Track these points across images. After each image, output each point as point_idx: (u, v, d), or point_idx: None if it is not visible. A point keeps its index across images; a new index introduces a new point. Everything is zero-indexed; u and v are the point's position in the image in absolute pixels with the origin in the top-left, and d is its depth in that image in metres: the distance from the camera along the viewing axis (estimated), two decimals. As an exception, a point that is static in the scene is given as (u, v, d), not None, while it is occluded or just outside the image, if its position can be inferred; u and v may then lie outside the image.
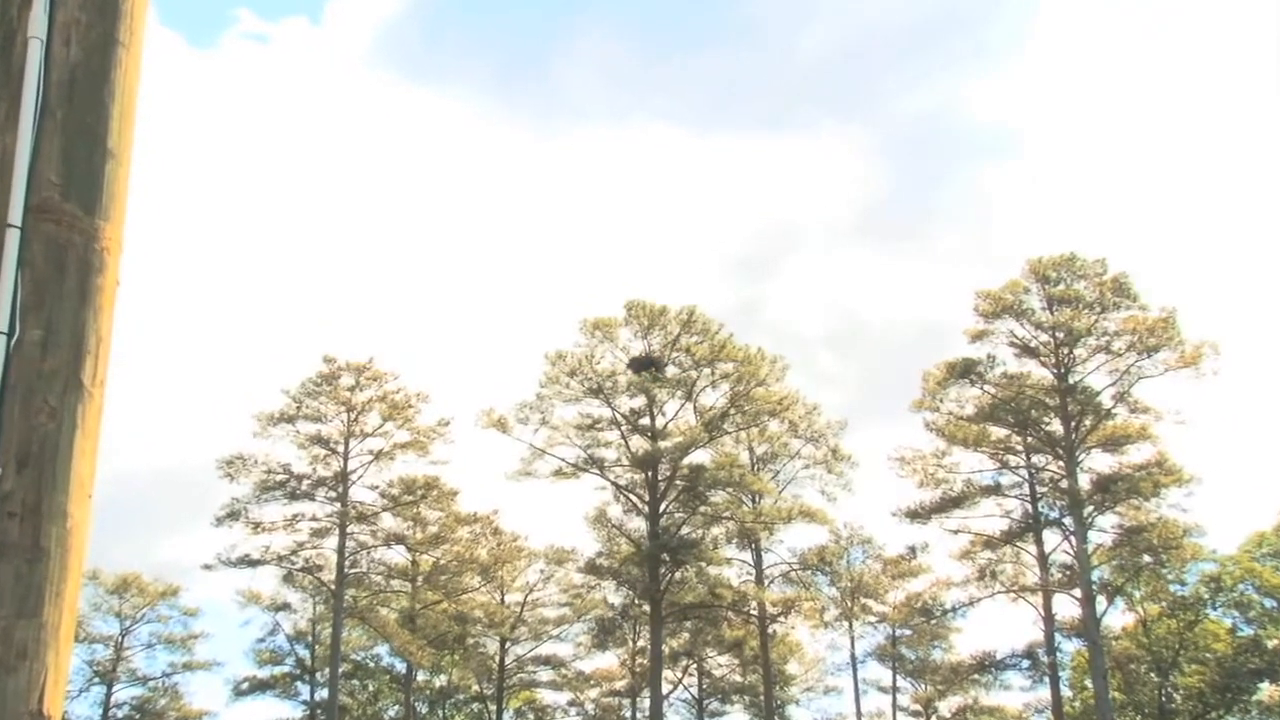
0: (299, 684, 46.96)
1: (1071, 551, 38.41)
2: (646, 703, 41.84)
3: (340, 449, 42.59)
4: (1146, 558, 38.32)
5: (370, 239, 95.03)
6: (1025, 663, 41.35)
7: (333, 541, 42.02)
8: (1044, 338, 39.48)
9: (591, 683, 47.89)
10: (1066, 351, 39.09)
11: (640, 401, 40.83)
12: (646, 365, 40.53)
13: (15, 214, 3.26)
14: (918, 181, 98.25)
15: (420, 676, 47.62)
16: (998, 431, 40.23)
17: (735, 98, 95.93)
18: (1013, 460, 40.72)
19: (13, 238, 3.24)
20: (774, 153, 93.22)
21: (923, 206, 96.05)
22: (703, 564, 40.52)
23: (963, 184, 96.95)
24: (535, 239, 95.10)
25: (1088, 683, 41.05)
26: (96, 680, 46.57)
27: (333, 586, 41.75)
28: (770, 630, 43.73)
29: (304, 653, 47.43)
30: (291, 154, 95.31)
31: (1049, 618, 39.19)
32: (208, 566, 41.13)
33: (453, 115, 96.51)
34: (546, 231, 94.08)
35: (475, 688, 48.68)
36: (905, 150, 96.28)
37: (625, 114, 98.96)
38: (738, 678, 47.49)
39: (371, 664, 49.19)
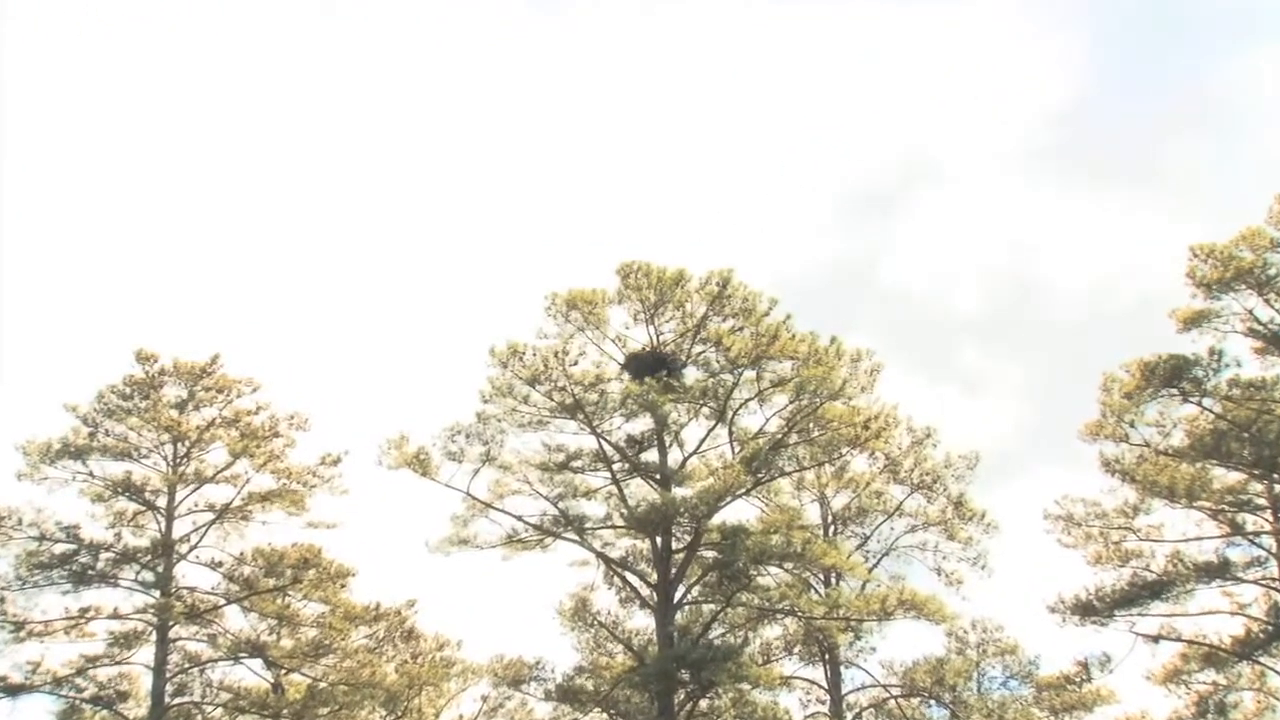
0: None
1: (1351, 673, 39.65)
2: None
3: (162, 502, 42.95)
4: None
5: (241, 184, 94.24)
6: (1274, 844, 42.89)
7: (147, 653, 42.00)
8: (1305, 323, 40.29)
9: None
10: (1341, 346, 39.98)
11: (644, 424, 41.21)
12: (653, 366, 41.00)
13: None
14: (1140, 75, 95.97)
15: None
16: (1226, 475, 40.60)
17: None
18: (1250, 522, 40.93)
19: None
20: (905, 29, 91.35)
21: (1148, 116, 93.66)
22: (744, 686, 40.50)
23: (1215, 77, 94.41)
24: (516, 176, 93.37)
25: None
26: None
27: (145, 726, 42.08)
28: (856, 794, 45.03)
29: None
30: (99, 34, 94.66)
31: (1313, 777, 40.60)
32: (-64, 696, 41.97)
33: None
34: (535, 164, 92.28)
35: None
36: (1121, 27, 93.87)
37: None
38: None
39: None
